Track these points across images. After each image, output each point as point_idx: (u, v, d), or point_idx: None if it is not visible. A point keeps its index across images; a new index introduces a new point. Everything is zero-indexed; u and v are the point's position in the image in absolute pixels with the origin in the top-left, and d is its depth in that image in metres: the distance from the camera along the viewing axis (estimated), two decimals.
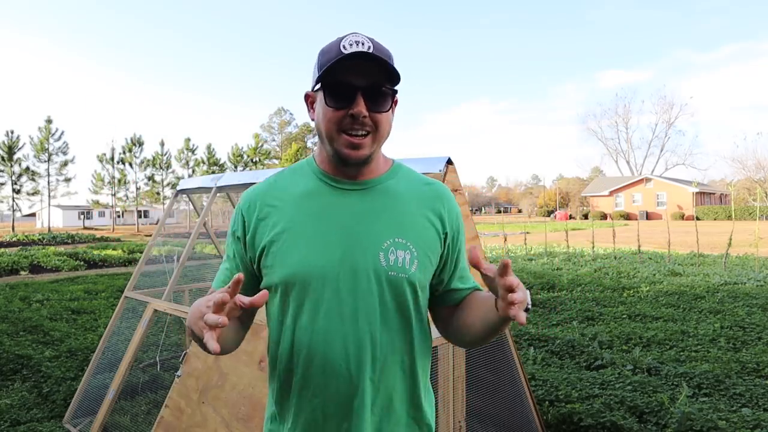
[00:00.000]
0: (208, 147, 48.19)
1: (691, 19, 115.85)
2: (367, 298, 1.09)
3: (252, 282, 1.19)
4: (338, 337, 1.08)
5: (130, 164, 44.41)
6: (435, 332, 1.29)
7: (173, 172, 46.38)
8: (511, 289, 0.91)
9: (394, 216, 1.14)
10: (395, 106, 1.17)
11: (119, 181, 44.06)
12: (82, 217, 54.94)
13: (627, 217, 45.81)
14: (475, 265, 0.97)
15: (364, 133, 1.08)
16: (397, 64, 1.12)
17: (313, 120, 1.16)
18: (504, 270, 0.92)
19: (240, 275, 0.89)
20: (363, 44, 1.05)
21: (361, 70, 1.06)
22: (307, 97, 1.18)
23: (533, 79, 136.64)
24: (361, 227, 1.11)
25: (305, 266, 1.09)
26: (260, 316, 2.48)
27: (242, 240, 1.17)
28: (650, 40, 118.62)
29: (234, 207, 4.33)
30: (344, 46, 1.05)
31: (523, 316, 0.90)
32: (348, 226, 1.11)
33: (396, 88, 1.12)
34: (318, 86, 1.11)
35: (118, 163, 44.01)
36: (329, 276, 1.08)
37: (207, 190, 3.74)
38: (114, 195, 44.25)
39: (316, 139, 1.20)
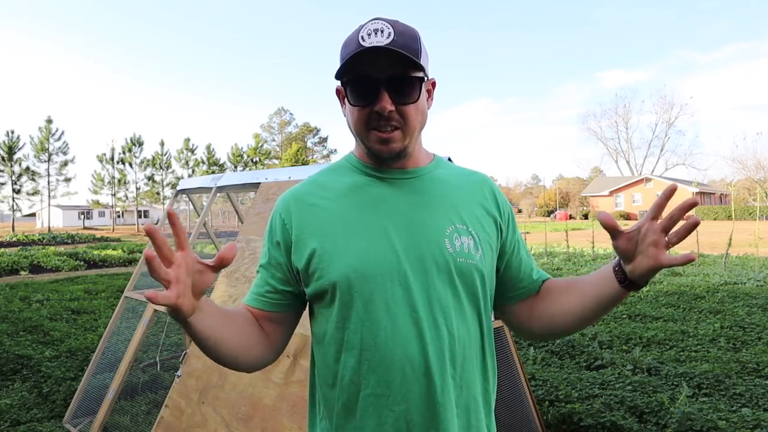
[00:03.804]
0: (208, 147, 48.23)
1: (694, 19, 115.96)
2: (439, 289, 1.00)
3: (290, 298, 1.09)
4: (415, 333, 0.98)
5: (130, 164, 44.45)
6: None
7: (173, 172, 46.43)
8: (666, 228, 0.93)
9: (451, 202, 1.07)
10: (433, 88, 1.11)
11: (119, 181, 44.09)
12: (82, 217, 54.95)
13: (627, 217, 45.84)
14: (609, 226, 0.95)
15: (391, 128, 1.01)
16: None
17: (345, 116, 1.10)
18: (658, 210, 0.94)
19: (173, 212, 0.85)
20: (382, 32, 0.97)
21: (382, 61, 0.98)
22: (338, 92, 1.10)
23: (534, 79, 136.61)
24: (420, 215, 1.04)
25: (367, 260, 0.99)
26: None
27: (282, 246, 1.07)
28: (652, 39, 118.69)
29: (234, 207, 4.34)
30: (363, 37, 0.98)
31: (679, 258, 0.91)
32: (406, 215, 1.03)
33: (425, 72, 1.03)
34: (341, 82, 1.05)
35: (118, 163, 44.05)
36: (396, 268, 0.99)
37: (207, 190, 3.74)
38: (114, 195, 44.29)
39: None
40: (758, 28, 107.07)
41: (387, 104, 0.98)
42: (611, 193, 53.03)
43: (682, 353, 5.33)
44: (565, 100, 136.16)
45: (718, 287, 8.88)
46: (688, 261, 0.90)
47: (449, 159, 2.44)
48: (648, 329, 6.23)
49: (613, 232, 0.96)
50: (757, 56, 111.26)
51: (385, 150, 1.03)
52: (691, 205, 0.90)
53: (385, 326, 0.98)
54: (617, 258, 1.02)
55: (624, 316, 7.06)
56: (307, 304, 1.12)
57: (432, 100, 1.12)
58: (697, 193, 46.12)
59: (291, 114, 74.59)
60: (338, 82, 1.08)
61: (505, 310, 1.20)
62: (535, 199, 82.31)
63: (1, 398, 4.36)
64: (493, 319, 1.19)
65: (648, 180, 51.88)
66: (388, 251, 1.00)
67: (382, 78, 0.98)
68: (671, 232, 0.94)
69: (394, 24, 1.00)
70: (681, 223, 0.94)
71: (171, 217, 0.85)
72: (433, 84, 1.11)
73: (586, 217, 51.55)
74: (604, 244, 17.80)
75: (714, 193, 54.52)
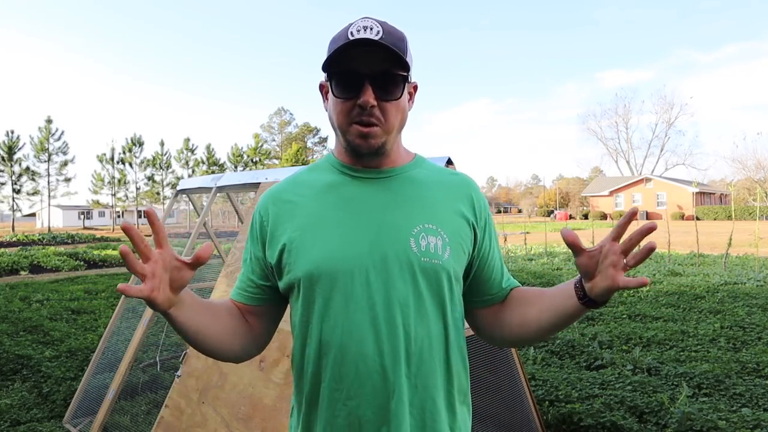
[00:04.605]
0: (208, 147, 48.28)
1: (695, 18, 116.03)
2: (400, 288, 1.01)
3: (269, 292, 1.13)
4: (371, 331, 1.00)
5: (130, 164, 44.46)
6: None
7: (173, 172, 46.47)
8: (626, 251, 0.95)
9: (422, 202, 1.08)
10: (415, 92, 1.14)
11: (119, 181, 44.10)
12: (82, 217, 54.96)
13: None
14: (571, 243, 0.96)
15: (371, 124, 1.03)
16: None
17: (327, 110, 1.11)
18: (619, 232, 0.95)
19: (149, 210, 0.90)
20: (371, 29, 1.00)
21: (369, 56, 1.00)
22: (321, 87, 1.13)
23: (534, 79, 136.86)
24: (388, 214, 1.05)
25: (331, 258, 1.02)
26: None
27: (260, 242, 1.12)
28: (653, 39, 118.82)
29: (234, 207, 4.34)
30: (351, 32, 1.00)
31: (633, 281, 0.93)
32: (375, 215, 1.05)
33: (409, 73, 1.06)
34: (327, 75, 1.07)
35: (118, 163, 44.06)
36: (358, 266, 1.01)
37: (207, 190, 3.74)
38: (114, 195, 44.29)
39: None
40: (759, 28, 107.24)
41: (370, 98, 1.00)
42: (611, 193, 52.99)
43: (682, 353, 5.33)
44: (565, 100, 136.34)
45: (718, 287, 8.88)
46: (641, 285, 0.93)
47: (449, 159, 2.44)
48: (648, 329, 6.24)
49: (576, 249, 0.97)
50: (757, 56, 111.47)
51: (365, 145, 1.04)
52: (650, 230, 0.93)
53: (342, 323, 1.01)
54: (579, 275, 1.04)
55: (624, 316, 7.06)
56: None
57: (413, 103, 1.14)
58: (697, 193, 46.14)
59: (291, 114, 74.64)
60: (322, 78, 1.11)
61: (469, 313, 1.21)
62: (535, 199, 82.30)
63: (1, 398, 4.36)
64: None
65: (648, 180, 51.87)
66: (352, 249, 1.03)
67: (368, 73, 1.01)
68: (630, 255, 0.97)
69: (383, 24, 1.02)
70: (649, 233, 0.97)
71: (149, 216, 0.90)
72: (415, 88, 1.14)
73: (586, 217, 51.53)
74: None
75: (714, 193, 54.50)
